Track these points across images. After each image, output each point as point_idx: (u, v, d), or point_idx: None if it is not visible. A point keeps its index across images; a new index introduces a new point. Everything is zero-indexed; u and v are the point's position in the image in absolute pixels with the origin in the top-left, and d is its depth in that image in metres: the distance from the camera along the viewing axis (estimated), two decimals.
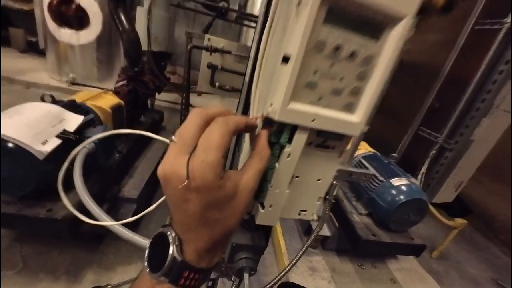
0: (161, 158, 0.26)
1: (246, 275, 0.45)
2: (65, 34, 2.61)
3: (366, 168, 1.24)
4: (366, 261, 1.37)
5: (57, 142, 0.77)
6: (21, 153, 0.71)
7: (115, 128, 1.11)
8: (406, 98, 3.01)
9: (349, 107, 0.25)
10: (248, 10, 2.33)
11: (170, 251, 0.22)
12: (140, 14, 1.67)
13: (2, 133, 0.69)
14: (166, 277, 0.22)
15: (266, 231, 0.49)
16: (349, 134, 0.27)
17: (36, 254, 0.95)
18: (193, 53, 1.68)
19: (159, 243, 0.24)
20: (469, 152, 1.42)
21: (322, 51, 0.22)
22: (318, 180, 0.31)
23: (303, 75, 0.23)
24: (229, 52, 1.57)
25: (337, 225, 1.26)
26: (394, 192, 1.07)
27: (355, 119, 0.25)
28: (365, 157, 1.32)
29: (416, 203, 1.06)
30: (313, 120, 0.24)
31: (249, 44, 1.50)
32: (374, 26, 0.22)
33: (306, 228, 1.45)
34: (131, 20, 1.50)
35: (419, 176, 1.52)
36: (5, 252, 0.92)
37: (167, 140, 0.23)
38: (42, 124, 0.76)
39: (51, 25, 2.58)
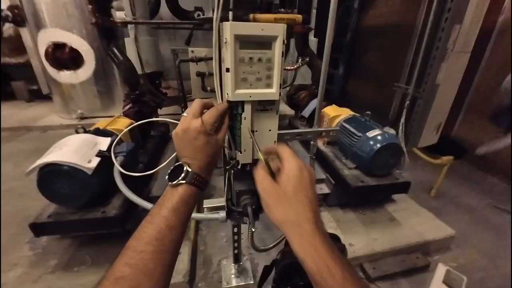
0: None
1: (249, 208, 0.68)
2: (65, 76, 2.87)
3: (347, 128, 1.44)
4: (366, 208, 1.58)
5: (97, 160, 1.01)
6: (75, 172, 0.96)
7: (134, 143, 1.35)
8: (389, 62, 3.14)
9: (268, 85, 0.47)
10: None
11: (185, 167, 0.45)
12: (129, 43, 1.90)
13: (59, 160, 0.93)
14: (183, 180, 0.44)
15: None
16: (272, 99, 0.49)
17: (98, 252, 1.22)
18: (182, 65, 1.91)
19: (176, 169, 0.45)
20: (438, 96, 1.60)
21: (244, 62, 0.44)
22: (269, 130, 0.54)
23: (238, 75, 0.45)
24: (211, 59, 1.79)
25: (333, 182, 1.48)
26: (370, 142, 1.28)
27: (273, 91, 0.48)
28: (346, 120, 1.52)
29: (390, 148, 1.26)
30: (250, 96, 0.47)
31: None
32: (266, 43, 0.44)
33: None
34: (123, 51, 1.73)
35: (400, 127, 1.71)
36: (76, 253, 1.19)
37: (177, 122, 0.47)
38: (84, 149, 1.01)
39: (51, 70, 2.85)
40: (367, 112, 1.44)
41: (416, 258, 1.32)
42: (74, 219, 1.02)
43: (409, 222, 1.50)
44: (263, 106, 0.50)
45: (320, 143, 1.72)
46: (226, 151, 0.57)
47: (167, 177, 0.45)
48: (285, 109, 2.77)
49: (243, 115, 0.49)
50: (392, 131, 1.38)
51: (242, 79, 0.45)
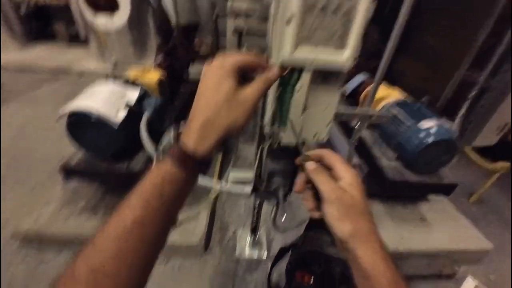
0: None
1: (280, 192, 0.61)
2: (101, 21, 2.82)
3: (395, 115, 1.26)
4: (397, 203, 1.45)
5: (124, 113, 0.97)
6: (101, 123, 0.93)
7: (162, 99, 1.29)
8: (452, 37, 2.64)
9: (340, 47, 0.35)
10: None
11: (168, 137, 0.34)
12: None
13: (86, 109, 0.90)
14: (164, 153, 0.34)
15: (292, 159, 0.63)
16: (342, 70, 0.37)
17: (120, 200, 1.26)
18: (219, 20, 1.75)
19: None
20: None
21: (313, 11, 0.32)
22: (325, 109, 0.43)
23: (302, 30, 0.33)
24: (250, 16, 1.60)
25: (367, 170, 1.35)
26: (421, 134, 1.11)
27: (345, 57, 0.35)
28: (395, 104, 1.33)
29: (443, 144, 1.09)
30: (312, 62, 0.35)
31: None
32: None
33: None
34: None
35: (457, 120, 1.48)
36: (102, 199, 1.24)
37: None
38: (112, 99, 0.97)
39: (88, 14, 2.80)
40: (425, 97, 1.23)
41: (442, 265, 1.22)
42: (99, 170, 1.03)
43: (441, 225, 1.36)
44: (323, 76, 0.38)
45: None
46: (266, 126, 0.47)
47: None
48: None
49: (297, 85, 0.38)
50: (449, 125, 1.18)
51: (306, 37, 0.33)
